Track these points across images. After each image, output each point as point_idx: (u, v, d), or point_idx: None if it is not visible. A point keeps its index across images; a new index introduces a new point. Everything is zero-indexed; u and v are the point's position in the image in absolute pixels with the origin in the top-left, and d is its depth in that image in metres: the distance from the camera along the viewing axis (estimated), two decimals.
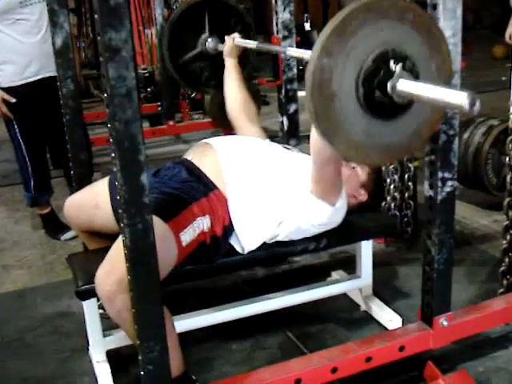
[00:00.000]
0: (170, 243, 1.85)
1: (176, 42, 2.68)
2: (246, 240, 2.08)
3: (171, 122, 5.17)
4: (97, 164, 4.01)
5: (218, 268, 2.13)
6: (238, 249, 2.10)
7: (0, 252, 3.40)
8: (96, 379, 2.15)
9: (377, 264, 2.54)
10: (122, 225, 1.44)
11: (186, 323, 2.24)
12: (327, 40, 1.33)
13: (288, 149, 2.37)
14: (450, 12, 1.70)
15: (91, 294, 1.95)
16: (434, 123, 1.64)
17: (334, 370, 1.92)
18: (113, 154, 1.39)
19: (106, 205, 2.14)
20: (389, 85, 1.41)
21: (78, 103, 2.56)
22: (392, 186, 3.04)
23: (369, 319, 2.50)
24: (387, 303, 2.50)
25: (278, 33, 2.69)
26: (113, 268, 1.76)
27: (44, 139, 3.44)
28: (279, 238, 2.14)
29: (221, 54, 2.62)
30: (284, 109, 2.77)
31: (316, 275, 2.76)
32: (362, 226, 2.37)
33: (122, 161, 1.37)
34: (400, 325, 2.35)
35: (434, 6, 1.70)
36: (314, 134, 1.72)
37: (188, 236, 1.92)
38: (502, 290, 2.39)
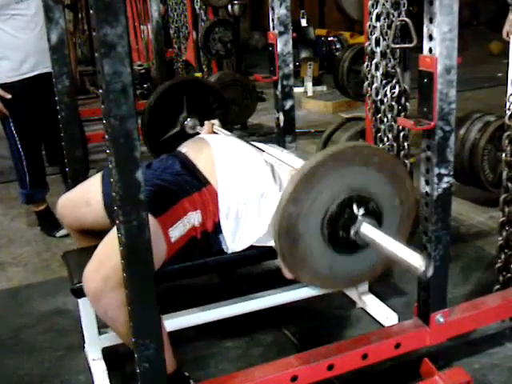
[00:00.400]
0: (158, 239, 1.82)
1: (155, 120, 2.70)
2: (230, 241, 2.04)
3: None
4: (93, 161, 4.01)
5: (211, 265, 2.11)
6: (224, 247, 2.05)
7: None
8: (92, 377, 2.14)
9: None
10: (117, 222, 1.44)
11: (181, 321, 2.24)
12: (294, 190, 1.42)
13: (286, 153, 2.34)
14: (446, 7, 1.70)
15: None
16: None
17: (330, 367, 1.91)
18: (108, 151, 1.38)
19: (97, 201, 2.13)
20: (352, 229, 1.50)
21: (74, 100, 2.55)
22: None
23: (365, 316, 2.50)
24: (383, 300, 2.50)
25: (274, 28, 2.68)
26: (100, 265, 1.75)
27: (39, 136, 3.43)
28: (270, 244, 2.01)
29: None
30: (280, 105, 2.76)
31: None
32: None
33: (117, 157, 1.37)
34: (396, 322, 2.35)
35: (431, 2, 1.70)
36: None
37: (177, 231, 1.90)
38: (497, 287, 2.39)
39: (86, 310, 2.10)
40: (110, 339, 2.18)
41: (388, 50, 2.47)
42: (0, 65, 3.23)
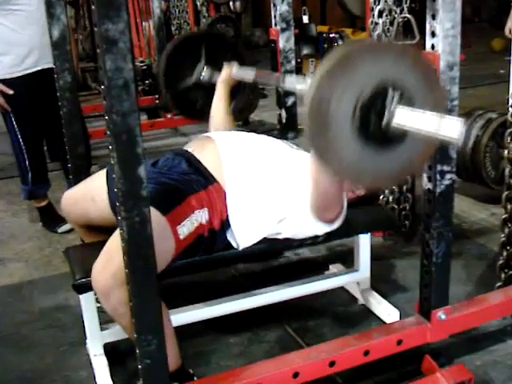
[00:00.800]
0: (167, 236, 1.84)
1: (172, 69, 2.70)
2: (241, 236, 2.06)
3: (169, 115, 5.15)
4: (95, 157, 4.00)
5: (215, 261, 2.12)
6: (234, 244, 2.08)
7: None
8: (93, 373, 2.14)
9: (375, 257, 2.54)
10: (119, 218, 1.44)
11: (183, 317, 2.24)
12: (330, 68, 1.38)
13: (290, 146, 2.34)
14: (449, 4, 1.70)
15: (88, 287, 1.93)
16: (426, 157, 1.68)
17: (332, 364, 1.91)
18: (110, 147, 1.38)
19: (102, 198, 2.13)
20: (386, 113, 1.44)
21: (75, 96, 2.55)
22: None
23: (367, 313, 2.50)
24: (385, 297, 2.50)
25: (276, 25, 2.68)
26: (108, 262, 1.76)
27: (41, 131, 3.43)
28: (282, 236, 2.12)
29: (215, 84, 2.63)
30: (282, 101, 2.76)
31: (314, 269, 2.76)
32: (360, 219, 2.35)
33: (119, 153, 1.36)
34: (398, 318, 2.35)
35: None
36: (313, 164, 1.78)
37: (186, 229, 1.91)
38: (499, 284, 2.39)
39: (88, 306, 2.10)
40: (112, 335, 2.18)
41: None
42: (2, 60, 3.22)
